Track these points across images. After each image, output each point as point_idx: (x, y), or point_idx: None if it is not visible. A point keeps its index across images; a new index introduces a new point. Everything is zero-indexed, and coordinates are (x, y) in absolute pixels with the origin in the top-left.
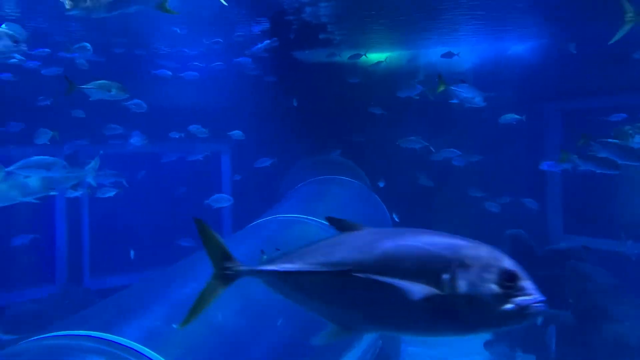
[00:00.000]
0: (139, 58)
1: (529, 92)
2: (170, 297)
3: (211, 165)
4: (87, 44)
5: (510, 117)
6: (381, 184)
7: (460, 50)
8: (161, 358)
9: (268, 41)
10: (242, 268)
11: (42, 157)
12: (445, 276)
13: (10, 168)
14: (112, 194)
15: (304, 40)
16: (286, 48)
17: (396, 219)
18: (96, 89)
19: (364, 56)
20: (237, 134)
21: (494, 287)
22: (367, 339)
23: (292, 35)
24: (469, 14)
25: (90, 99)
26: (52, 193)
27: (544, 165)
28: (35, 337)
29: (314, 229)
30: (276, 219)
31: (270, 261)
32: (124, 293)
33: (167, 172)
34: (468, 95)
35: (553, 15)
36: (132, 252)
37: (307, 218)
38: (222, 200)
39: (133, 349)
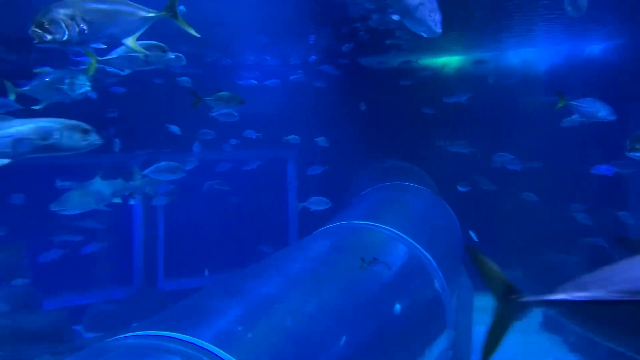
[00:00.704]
0: (224, 68)
1: (610, 92)
2: (244, 301)
3: (278, 171)
4: (182, 55)
5: (573, 119)
6: (462, 189)
7: (536, 51)
8: None
9: (346, 45)
10: (529, 299)
11: (169, 162)
12: None
13: (147, 171)
14: (164, 202)
15: (370, 47)
16: (351, 55)
17: (475, 238)
18: (218, 101)
19: (414, 62)
20: (322, 140)
21: None
22: (439, 347)
23: (358, 42)
24: (546, 14)
25: (212, 112)
26: (116, 201)
27: (597, 169)
28: (118, 336)
29: (384, 237)
30: (345, 225)
31: (561, 289)
32: (199, 295)
33: (237, 177)
34: (592, 109)
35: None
36: (206, 271)
37: (376, 225)
38: (321, 203)
39: (209, 350)
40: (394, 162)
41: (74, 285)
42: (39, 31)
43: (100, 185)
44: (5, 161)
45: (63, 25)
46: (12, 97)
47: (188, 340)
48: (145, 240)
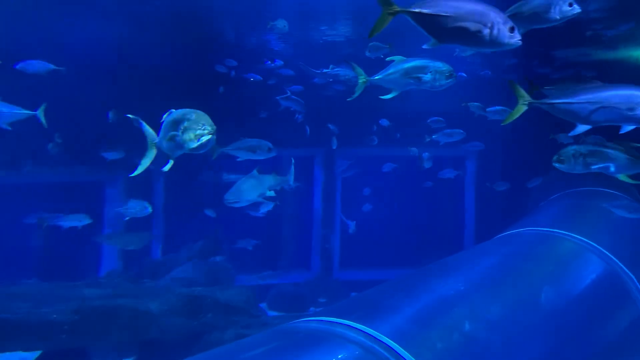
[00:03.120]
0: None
1: None
2: (422, 300)
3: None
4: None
5: None
6: None
7: None
8: (412, 358)
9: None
10: None
11: (427, 153)
12: None
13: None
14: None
15: (567, 39)
16: (545, 47)
17: None
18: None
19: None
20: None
21: None
22: None
23: (553, 33)
24: None
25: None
26: (270, 194)
27: None
28: (302, 319)
29: (575, 247)
30: (528, 232)
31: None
32: (379, 288)
33: (412, 175)
34: None
35: None
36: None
37: (566, 234)
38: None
39: (386, 343)
40: None
41: (262, 266)
42: None
43: (260, 179)
44: (583, 129)
45: None
46: (359, 88)
47: (366, 331)
48: (323, 231)
